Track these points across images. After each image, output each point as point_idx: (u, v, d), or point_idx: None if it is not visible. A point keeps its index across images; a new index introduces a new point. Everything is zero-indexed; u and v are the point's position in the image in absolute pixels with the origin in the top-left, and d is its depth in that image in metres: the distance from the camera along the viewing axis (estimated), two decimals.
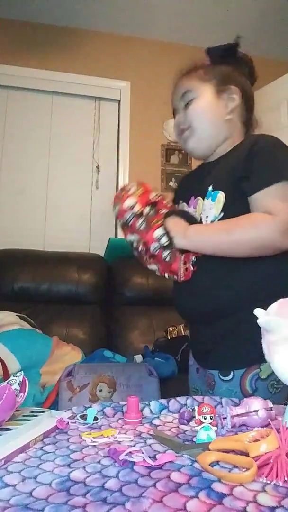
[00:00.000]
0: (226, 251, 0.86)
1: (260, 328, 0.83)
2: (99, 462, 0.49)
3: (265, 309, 0.58)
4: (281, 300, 0.59)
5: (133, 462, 0.48)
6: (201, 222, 0.93)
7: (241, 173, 0.87)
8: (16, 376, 0.61)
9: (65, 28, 2.87)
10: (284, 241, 0.82)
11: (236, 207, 0.87)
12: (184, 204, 1.02)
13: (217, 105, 0.97)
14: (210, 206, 0.91)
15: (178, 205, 1.05)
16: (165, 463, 0.48)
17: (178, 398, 0.75)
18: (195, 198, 0.98)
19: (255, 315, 0.84)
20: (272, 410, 0.63)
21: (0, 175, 2.73)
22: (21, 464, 0.49)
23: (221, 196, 0.89)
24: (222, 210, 0.89)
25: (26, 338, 1.60)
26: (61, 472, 0.46)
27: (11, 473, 0.46)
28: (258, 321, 0.57)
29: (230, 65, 1.02)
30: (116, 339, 2.07)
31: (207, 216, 0.92)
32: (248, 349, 0.86)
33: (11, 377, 0.60)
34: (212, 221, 0.90)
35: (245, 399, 0.66)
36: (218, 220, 0.89)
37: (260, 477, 0.43)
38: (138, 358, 1.78)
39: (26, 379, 0.62)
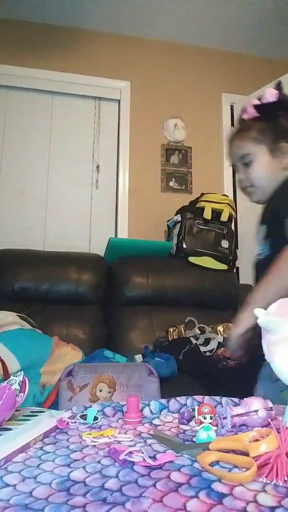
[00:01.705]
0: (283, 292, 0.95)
1: None
2: (99, 462, 0.49)
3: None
4: (281, 300, 0.59)
5: (133, 462, 0.48)
6: None
7: (276, 204, 1.04)
8: (16, 376, 0.61)
9: (65, 28, 2.87)
10: None
11: (275, 236, 1.02)
12: None
13: (272, 163, 1.09)
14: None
15: None
16: (165, 463, 0.48)
17: (178, 398, 0.75)
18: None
19: None
20: (272, 410, 0.63)
21: (0, 175, 2.74)
22: (21, 464, 0.49)
23: (263, 228, 1.06)
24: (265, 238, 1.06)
25: (26, 338, 1.60)
26: (61, 472, 0.46)
27: (11, 473, 0.46)
28: (258, 321, 0.57)
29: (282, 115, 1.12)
30: (116, 339, 2.07)
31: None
32: None
33: (11, 377, 0.60)
34: (258, 253, 1.11)
35: (245, 399, 0.66)
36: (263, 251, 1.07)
37: (260, 477, 0.43)
38: (138, 358, 1.78)
39: (26, 379, 0.62)
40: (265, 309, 0.91)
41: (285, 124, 1.11)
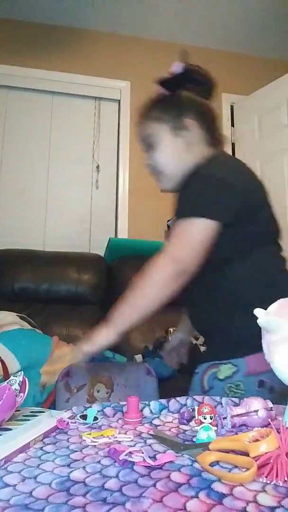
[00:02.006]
0: (146, 305, 0.92)
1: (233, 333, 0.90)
2: (99, 462, 0.49)
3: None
4: (281, 300, 0.59)
5: (133, 462, 0.48)
6: None
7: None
8: (16, 376, 0.61)
9: (65, 28, 2.87)
10: (182, 265, 0.88)
11: None
12: None
13: (176, 144, 0.99)
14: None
15: None
16: (165, 463, 0.48)
17: (178, 398, 0.75)
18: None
19: (229, 321, 0.92)
20: (272, 410, 0.63)
21: (0, 175, 2.73)
22: (21, 464, 0.49)
23: (173, 222, 0.97)
24: None
25: (26, 338, 1.60)
26: (61, 472, 0.46)
27: (11, 473, 0.46)
28: (258, 321, 0.57)
29: (186, 88, 1.04)
30: None
31: None
32: (215, 350, 0.95)
33: (11, 377, 0.60)
34: None
35: (245, 399, 0.66)
36: None
37: (260, 477, 0.43)
38: (138, 358, 1.78)
39: (26, 379, 0.62)
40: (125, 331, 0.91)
41: (188, 96, 1.02)
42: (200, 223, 0.87)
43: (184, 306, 1.09)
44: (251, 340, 0.87)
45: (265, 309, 0.87)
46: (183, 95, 1.02)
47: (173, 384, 1.48)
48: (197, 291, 0.98)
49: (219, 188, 0.90)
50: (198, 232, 0.88)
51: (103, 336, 0.93)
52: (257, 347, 0.86)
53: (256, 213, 0.95)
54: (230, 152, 3.05)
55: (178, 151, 0.99)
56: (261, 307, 0.87)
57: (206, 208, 0.88)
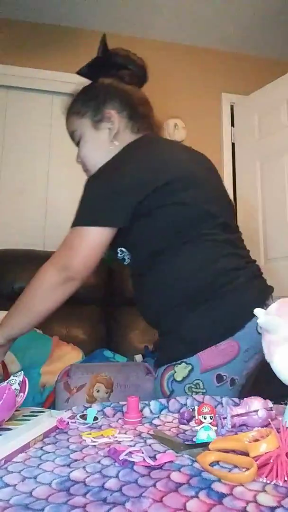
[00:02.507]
0: (35, 309, 0.93)
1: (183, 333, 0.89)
2: (99, 462, 0.49)
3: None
4: (281, 300, 0.59)
5: (133, 462, 0.48)
6: None
7: None
8: (16, 376, 0.61)
9: (65, 28, 2.87)
10: (68, 271, 0.90)
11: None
12: None
13: (99, 137, 0.98)
14: None
15: None
16: (165, 463, 0.48)
17: (178, 398, 0.75)
18: None
19: (176, 318, 0.91)
20: (272, 410, 0.63)
21: (0, 175, 2.73)
22: (21, 464, 0.49)
23: None
24: None
25: (26, 338, 1.60)
26: (61, 472, 0.46)
27: (11, 473, 0.46)
28: (258, 321, 0.57)
29: (110, 74, 1.00)
30: (116, 339, 2.07)
31: None
32: (167, 351, 0.93)
33: (11, 377, 0.60)
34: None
35: (245, 399, 0.66)
36: None
37: (260, 477, 0.43)
38: (138, 358, 1.77)
39: (26, 379, 0.62)
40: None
41: (108, 84, 0.98)
42: (89, 231, 0.89)
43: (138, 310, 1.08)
44: (199, 336, 0.87)
45: (202, 299, 0.88)
46: (104, 83, 0.98)
47: None
48: (142, 293, 0.98)
49: (107, 192, 0.89)
50: (88, 239, 0.89)
51: None
52: (207, 342, 0.86)
53: (175, 199, 0.89)
54: (230, 152, 3.05)
55: (102, 144, 0.97)
56: (201, 300, 0.87)
57: (96, 216, 0.89)
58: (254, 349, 0.87)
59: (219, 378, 0.86)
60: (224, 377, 0.86)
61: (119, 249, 0.99)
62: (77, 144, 1.02)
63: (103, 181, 0.90)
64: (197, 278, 0.89)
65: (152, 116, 1.04)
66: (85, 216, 0.90)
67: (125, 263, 1.01)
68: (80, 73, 1.01)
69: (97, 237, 0.89)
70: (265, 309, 0.57)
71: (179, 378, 0.87)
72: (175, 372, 0.88)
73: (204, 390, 0.85)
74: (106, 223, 0.89)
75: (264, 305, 0.91)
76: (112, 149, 0.96)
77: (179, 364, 0.88)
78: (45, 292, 0.91)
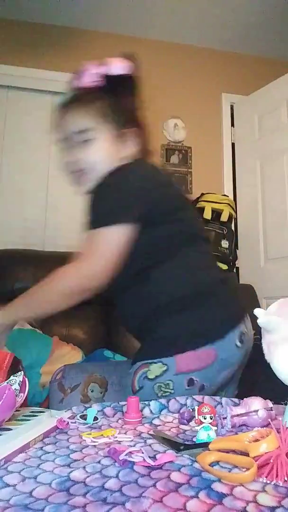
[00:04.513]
0: (46, 307, 0.95)
1: (162, 333, 0.91)
2: (99, 462, 0.49)
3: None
4: (281, 300, 0.59)
5: (133, 462, 0.48)
6: None
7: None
8: (16, 376, 0.61)
9: (65, 28, 2.87)
10: (90, 282, 0.89)
11: None
12: None
13: (114, 148, 0.98)
14: None
15: None
16: (165, 463, 0.48)
17: (178, 398, 0.75)
18: None
19: (157, 321, 0.92)
20: (272, 410, 0.63)
21: (0, 175, 2.73)
22: (21, 464, 0.49)
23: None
24: None
25: (26, 338, 1.60)
26: (61, 472, 0.46)
27: (11, 473, 0.46)
28: (258, 321, 0.57)
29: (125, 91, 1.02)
30: (116, 339, 2.06)
31: None
32: (144, 350, 0.95)
33: (11, 377, 0.60)
34: None
35: (245, 399, 0.66)
36: None
37: (260, 477, 0.43)
38: None
39: (26, 379, 0.62)
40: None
41: (130, 106, 1.01)
42: (113, 231, 0.88)
43: (117, 311, 1.09)
44: (179, 339, 0.89)
45: (189, 305, 0.90)
46: (127, 102, 1.01)
47: None
48: (124, 295, 0.99)
49: (125, 193, 0.91)
50: (113, 240, 0.88)
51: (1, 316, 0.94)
52: (187, 346, 0.88)
53: (171, 216, 0.95)
54: (230, 152, 3.06)
55: (112, 155, 0.97)
56: (187, 306, 0.89)
57: (116, 215, 0.89)
58: (229, 360, 0.90)
59: (190, 382, 0.87)
60: (195, 382, 0.87)
61: None
62: (78, 143, 0.98)
63: (116, 185, 0.92)
64: (186, 286, 0.93)
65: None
66: (107, 216, 0.89)
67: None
68: (102, 78, 1.00)
69: (121, 236, 0.89)
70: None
71: (151, 376, 0.88)
72: (149, 370, 0.89)
73: (172, 391, 0.86)
74: (128, 220, 0.89)
75: (246, 318, 0.96)
76: (116, 161, 0.96)
77: (155, 363, 0.89)
78: (62, 297, 0.92)
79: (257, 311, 0.58)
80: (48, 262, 2.22)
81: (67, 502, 0.39)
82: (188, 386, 0.86)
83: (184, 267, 0.94)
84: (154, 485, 0.42)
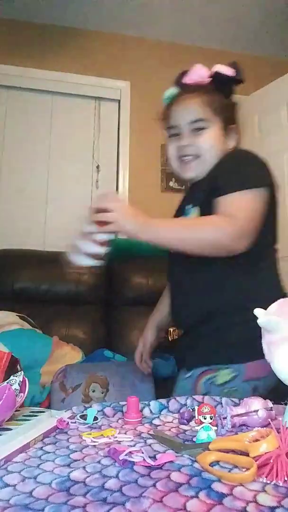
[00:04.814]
0: (186, 247, 0.88)
1: (232, 335, 0.89)
2: (99, 462, 0.49)
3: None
4: (281, 300, 0.59)
5: (133, 462, 0.48)
6: None
7: (214, 182, 0.92)
8: (16, 376, 0.61)
9: (65, 28, 2.86)
10: (236, 245, 0.85)
11: None
12: None
13: (222, 140, 1.02)
14: None
15: None
16: (165, 463, 0.48)
17: (178, 398, 0.75)
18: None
19: (230, 322, 0.90)
20: (272, 410, 0.63)
21: (0, 175, 2.73)
22: (21, 464, 0.49)
23: (196, 210, 0.95)
24: None
25: (26, 338, 1.60)
26: (61, 472, 0.46)
27: (11, 473, 0.46)
28: (258, 321, 0.57)
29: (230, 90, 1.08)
30: (116, 339, 2.06)
31: None
32: (210, 353, 0.92)
33: (11, 377, 0.60)
34: None
35: (245, 399, 0.66)
36: None
37: (260, 477, 0.43)
38: None
39: (26, 379, 0.62)
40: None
41: (233, 105, 1.08)
42: (254, 193, 0.88)
43: (173, 294, 1.05)
44: (251, 345, 0.86)
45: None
46: (234, 101, 1.08)
47: (173, 384, 1.48)
48: (198, 281, 0.96)
49: (260, 164, 0.95)
50: (254, 201, 0.88)
51: (135, 219, 0.88)
52: (256, 354, 0.85)
53: (275, 208, 0.96)
54: None
55: (220, 146, 1.01)
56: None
57: (255, 179, 0.91)
58: None
59: (255, 389, 0.86)
60: (259, 389, 0.86)
61: None
62: (191, 131, 1.01)
63: (254, 157, 0.96)
64: (276, 293, 0.87)
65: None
66: (246, 179, 0.90)
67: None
68: (214, 76, 1.06)
69: (261, 199, 0.89)
70: None
71: (219, 382, 0.87)
72: (217, 375, 0.88)
73: (239, 396, 0.85)
74: (265, 184, 0.91)
75: None
76: (220, 151, 1.00)
77: (224, 369, 0.87)
78: (206, 246, 0.86)
79: (257, 311, 0.58)
80: (48, 262, 2.23)
81: (67, 502, 0.39)
82: (253, 393, 0.85)
83: (275, 272, 0.96)
84: (154, 485, 0.42)
